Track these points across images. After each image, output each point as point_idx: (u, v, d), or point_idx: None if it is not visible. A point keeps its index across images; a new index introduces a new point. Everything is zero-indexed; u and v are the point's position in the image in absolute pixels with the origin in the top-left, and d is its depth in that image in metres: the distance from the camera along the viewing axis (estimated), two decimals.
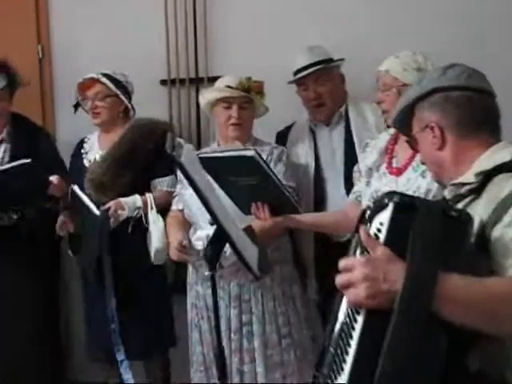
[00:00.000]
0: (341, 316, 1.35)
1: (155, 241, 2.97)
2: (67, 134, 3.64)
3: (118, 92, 3.22)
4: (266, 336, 2.78)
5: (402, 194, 1.37)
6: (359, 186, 2.44)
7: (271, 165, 2.73)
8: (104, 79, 3.21)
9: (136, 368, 3.05)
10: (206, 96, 2.95)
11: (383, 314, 1.25)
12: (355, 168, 2.53)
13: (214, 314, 1.93)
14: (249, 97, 2.87)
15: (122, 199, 3.05)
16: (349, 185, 2.77)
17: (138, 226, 3.09)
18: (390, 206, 1.33)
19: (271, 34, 3.51)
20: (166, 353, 3.31)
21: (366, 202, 2.25)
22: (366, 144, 2.50)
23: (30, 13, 3.80)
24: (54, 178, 3.08)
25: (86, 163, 3.27)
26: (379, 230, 1.34)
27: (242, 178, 2.24)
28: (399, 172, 2.27)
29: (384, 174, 2.30)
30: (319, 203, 3.03)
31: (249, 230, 2.06)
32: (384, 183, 2.26)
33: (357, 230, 1.39)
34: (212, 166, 2.24)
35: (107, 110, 3.24)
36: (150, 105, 3.39)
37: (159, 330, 3.20)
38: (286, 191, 2.29)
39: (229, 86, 2.86)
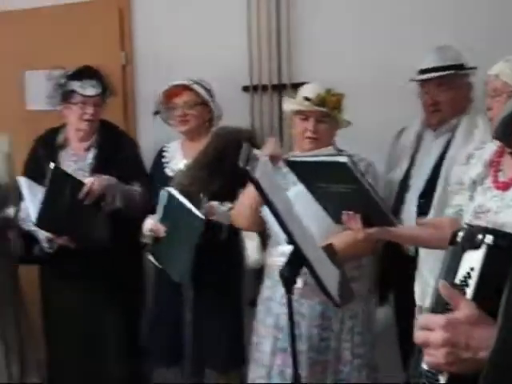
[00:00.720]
0: (424, 366, 1.20)
1: (251, 251, 2.95)
2: (149, 141, 3.62)
3: (210, 100, 3.17)
4: (339, 351, 2.72)
5: (497, 234, 1.18)
6: (460, 199, 2.26)
7: None
8: (196, 86, 3.16)
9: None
10: (285, 106, 2.90)
11: (470, 380, 1.09)
12: (454, 180, 2.36)
13: (291, 338, 1.88)
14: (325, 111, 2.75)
15: (215, 204, 2.98)
16: (423, 200, 2.73)
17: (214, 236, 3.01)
18: (483, 249, 1.16)
19: (355, 39, 3.40)
20: (243, 366, 3.22)
21: (469, 217, 2.09)
22: (471, 155, 2.32)
23: (114, 20, 3.84)
24: (89, 181, 3.04)
25: (169, 172, 3.22)
26: (469, 276, 1.17)
27: (334, 185, 2.11)
28: (506, 186, 2.08)
29: (489, 188, 2.12)
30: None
31: (329, 250, 1.96)
32: (488, 198, 2.09)
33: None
34: (301, 170, 2.16)
35: (196, 118, 3.19)
36: (231, 112, 3.32)
37: (238, 342, 3.16)
38: (380, 202, 2.17)
39: (307, 98, 2.75)
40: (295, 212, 1.85)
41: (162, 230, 2.99)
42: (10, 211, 3.30)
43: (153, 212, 3.06)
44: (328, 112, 2.73)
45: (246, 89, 3.59)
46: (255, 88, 3.57)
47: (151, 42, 3.79)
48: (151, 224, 3.06)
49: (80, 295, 3.23)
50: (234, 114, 3.36)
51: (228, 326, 3.15)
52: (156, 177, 3.27)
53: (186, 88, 3.17)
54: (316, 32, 3.48)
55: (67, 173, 3.07)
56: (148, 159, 3.40)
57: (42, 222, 3.01)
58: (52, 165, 3.00)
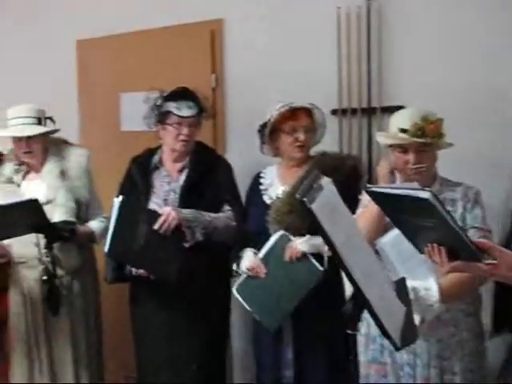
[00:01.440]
0: None
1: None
2: (237, 163, 3.58)
3: (323, 125, 3.08)
4: None
5: None
6: None
7: (468, 207, 2.52)
8: (316, 111, 3.05)
9: None
10: (379, 139, 2.73)
11: None
12: None
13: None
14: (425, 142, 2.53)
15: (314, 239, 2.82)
16: None
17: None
18: None
19: (446, 61, 3.29)
20: None
21: None
22: None
23: (205, 43, 3.85)
24: (165, 211, 2.98)
25: (267, 200, 3.09)
26: None
27: (417, 219, 2.03)
28: None
29: None
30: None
31: (401, 285, 1.87)
32: None
33: None
34: (384, 201, 2.08)
35: (308, 144, 3.06)
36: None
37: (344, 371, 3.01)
38: (465, 237, 2.08)
39: (403, 130, 2.53)
40: (362, 244, 1.75)
41: (262, 271, 2.91)
42: (93, 226, 3.35)
43: (246, 240, 3.00)
44: (428, 142, 2.55)
45: (334, 112, 3.54)
46: (344, 111, 3.52)
47: (242, 64, 3.80)
48: (252, 262, 2.96)
49: (164, 320, 3.18)
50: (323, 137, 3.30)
51: (331, 362, 2.99)
52: (253, 204, 3.16)
53: (305, 111, 3.05)
54: (406, 55, 3.41)
55: (139, 204, 3.07)
56: (238, 182, 3.35)
57: (111, 252, 3.04)
58: (120, 198, 3.02)
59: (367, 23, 3.42)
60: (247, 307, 2.93)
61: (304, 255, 2.82)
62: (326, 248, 2.60)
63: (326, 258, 2.82)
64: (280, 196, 2.99)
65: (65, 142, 3.43)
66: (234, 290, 3.02)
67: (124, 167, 3.37)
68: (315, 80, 3.52)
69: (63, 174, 3.29)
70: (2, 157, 3.37)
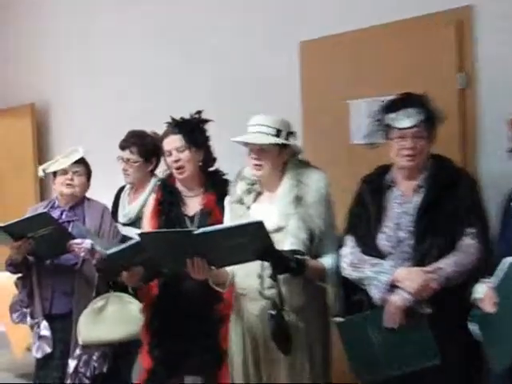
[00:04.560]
0: None
1: None
2: (492, 180, 3.11)
3: None
4: None
5: None
6: None
7: None
8: None
9: None
10: None
11: None
12: None
13: None
14: None
15: None
16: None
17: None
18: None
19: None
20: None
21: None
22: None
23: (449, 36, 3.42)
24: None
25: None
26: None
27: None
28: None
29: None
30: None
31: None
32: None
33: None
34: None
35: None
36: None
37: None
38: None
39: None
40: None
41: (493, 302, 2.60)
42: (325, 262, 3.04)
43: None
44: None
45: None
46: None
47: (497, 60, 3.28)
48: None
49: None
50: None
51: None
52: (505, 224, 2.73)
53: None
54: None
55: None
56: (491, 201, 2.87)
57: None
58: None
59: None
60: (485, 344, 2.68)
61: None
62: None
63: None
64: None
65: (304, 163, 3.20)
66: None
67: (354, 186, 3.05)
68: None
69: (299, 199, 3.07)
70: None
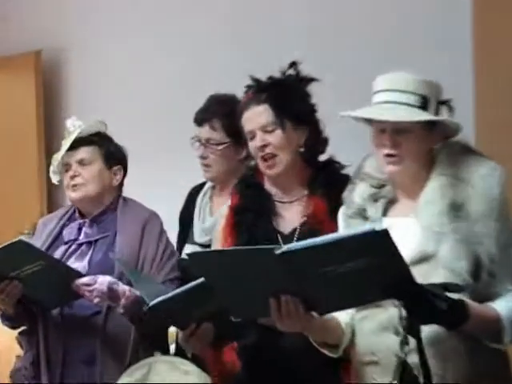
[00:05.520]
0: None
1: None
2: None
3: None
4: None
5: None
6: None
7: None
8: None
9: None
10: None
11: None
12: None
13: None
14: None
15: None
16: None
17: None
18: None
19: None
20: None
21: None
22: None
23: None
24: None
25: None
26: None
27: None
28: None
29: None
30: None
31: None
32: None
33: None
34: None
35: None
36: None
37: None
38: None
39: None
40: None
41: None
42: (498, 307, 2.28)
43: None
44: None
45: None
46: None
47: None
48: None
49: None
50: None
51: None
52: None
53: None
54: None
55: None
56: None
57: None
58: None
59: None
60: None
61: None
62: None
63: None
64: None
65: (466, 151, 2.26)
66: None
67: None
68: None
69: (456, 208, 2.16)
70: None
